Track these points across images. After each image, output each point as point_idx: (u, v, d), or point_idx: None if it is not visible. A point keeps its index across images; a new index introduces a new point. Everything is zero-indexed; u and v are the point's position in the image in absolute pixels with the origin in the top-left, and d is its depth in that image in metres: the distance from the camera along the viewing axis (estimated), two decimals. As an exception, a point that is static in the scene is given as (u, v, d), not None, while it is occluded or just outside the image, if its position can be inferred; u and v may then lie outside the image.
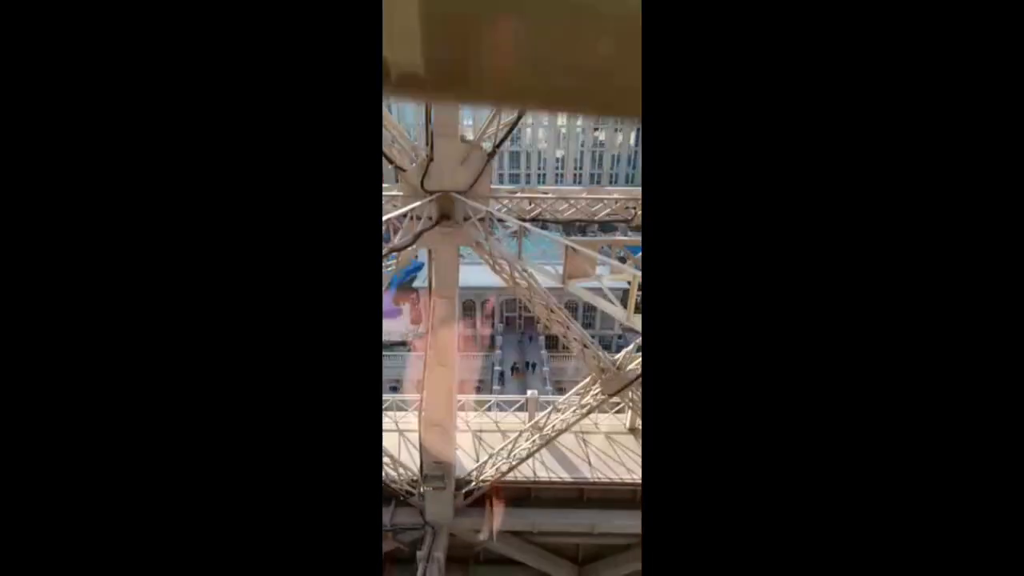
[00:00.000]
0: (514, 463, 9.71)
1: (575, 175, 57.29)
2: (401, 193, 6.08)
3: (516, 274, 7.31)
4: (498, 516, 10.54)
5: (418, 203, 5.88)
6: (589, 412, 8.91)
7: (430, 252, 7.04)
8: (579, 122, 57.07)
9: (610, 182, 57.25)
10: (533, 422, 9.43)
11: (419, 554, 9.69)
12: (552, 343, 40.58)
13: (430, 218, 6.21)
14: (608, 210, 7.38)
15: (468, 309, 39.08)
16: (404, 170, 6.05)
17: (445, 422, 8.64)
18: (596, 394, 8.50)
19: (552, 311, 7.64)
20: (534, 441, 9.32)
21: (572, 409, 8.90)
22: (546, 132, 57.80)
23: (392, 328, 38.78)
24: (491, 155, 6.03)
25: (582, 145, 58.01)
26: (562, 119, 56.80)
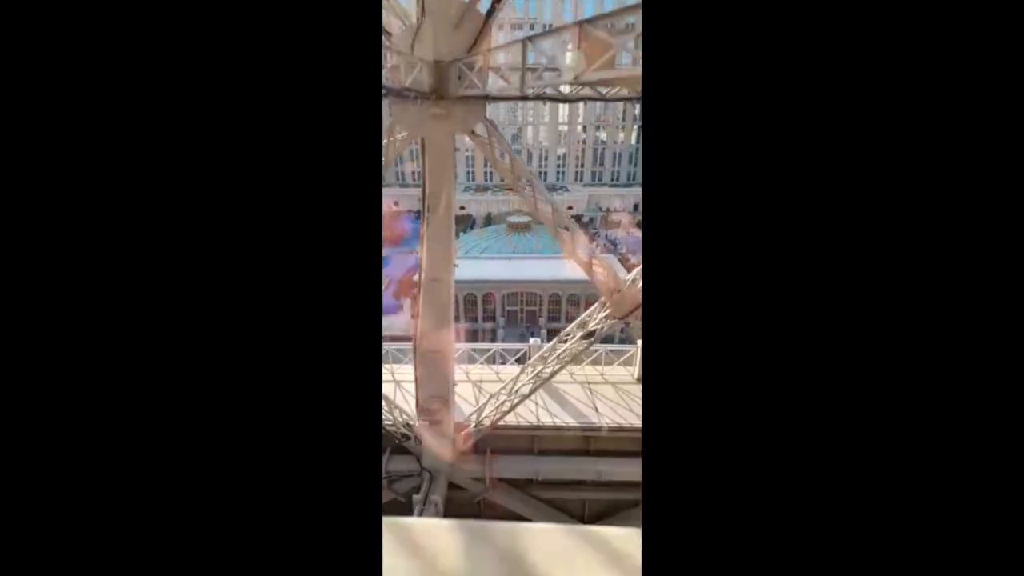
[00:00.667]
0: (516, 401, 9.15)
1: (576, 173, 57.04)
2: (391, 63, 5.63)
3: (521, 176, 6.83)
4: (499, 462, 9.97)
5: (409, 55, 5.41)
6: (597, 339, 8.37)
7: (423, 145, 6.57)
8: (580, 119, 56.99)
9: (611, 180, 57.01)
10: (538, 355, 8.89)
11: (416, 497, 9.12)
12: (554, 338, 39.94)
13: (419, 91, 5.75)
14: (618, 89, 6.90)
15: (469, 303, 38.62)
16: (390, 33, 5.61)
17: (443, 348, 8.10)
18: (605, 317, 7.97)
19: (555, 211, 7.15)
20: (538, 375, 8.77)
21: (578, 337, 8.36)
22: (547, 130, 57.64)
23: (393, 323, 38.42)
24: (488, 16, 5.59)
25: (583, 143, 57.82)
26: (563, 116, 56.70)
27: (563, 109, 56.44)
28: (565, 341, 8.63)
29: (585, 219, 51.80)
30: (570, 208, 54.96)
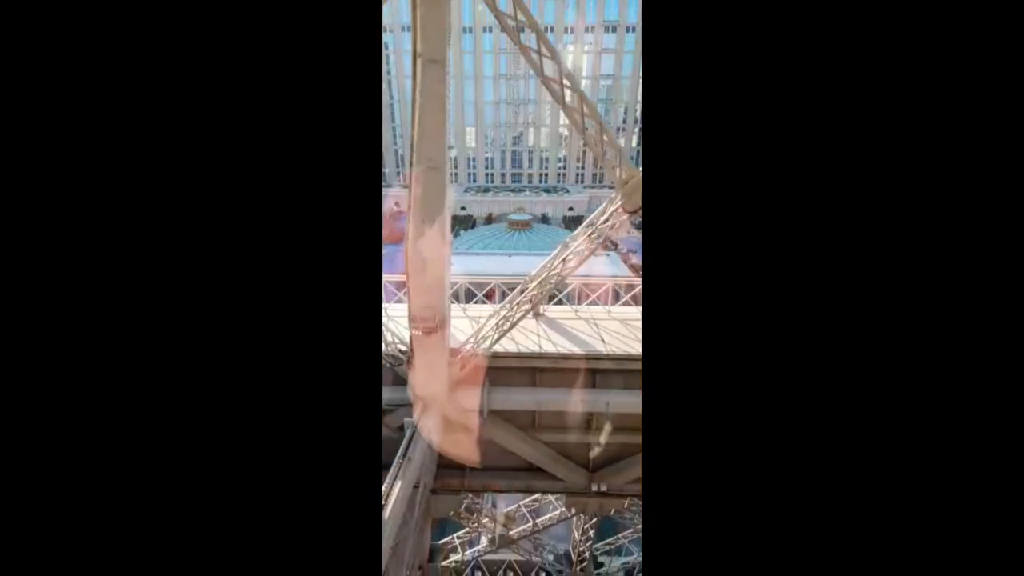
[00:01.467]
0: (517, 318, 8.49)
1: (577, 175, 56.85)
2: None
3: (524, 28, 6.27)
4: (498, 393, 9.25)
5: None
6: (607, 240, 7.74)
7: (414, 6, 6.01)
8: (581, 122, 56.95)
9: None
10: (544, 263, 8.26)
11: (407, 420, 8.39)
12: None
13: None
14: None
15: (469, 297, 38.01)
16: None
17: (435, 250, 7.46)
18: (616, 211, 7.35)
19: (558, 64, 6.57)
20: (543, 282, 8.14)
21: (588, 235, 7.74)
22: (548, 133, 57.56)
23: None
24: None
25: (584, 146, 57.78)
26: (564, 119, 56.71)
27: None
28: (568, 247, 8.00)
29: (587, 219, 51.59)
30: (571, 209, 54.74)
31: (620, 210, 7.36)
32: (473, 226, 50.26)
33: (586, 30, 53.40)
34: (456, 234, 43.53)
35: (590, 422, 10.42)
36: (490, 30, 53.13)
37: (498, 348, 9.23)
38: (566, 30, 53.97)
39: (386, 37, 49.37)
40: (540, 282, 8.19)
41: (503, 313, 8.53)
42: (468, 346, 8.94)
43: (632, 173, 7.25)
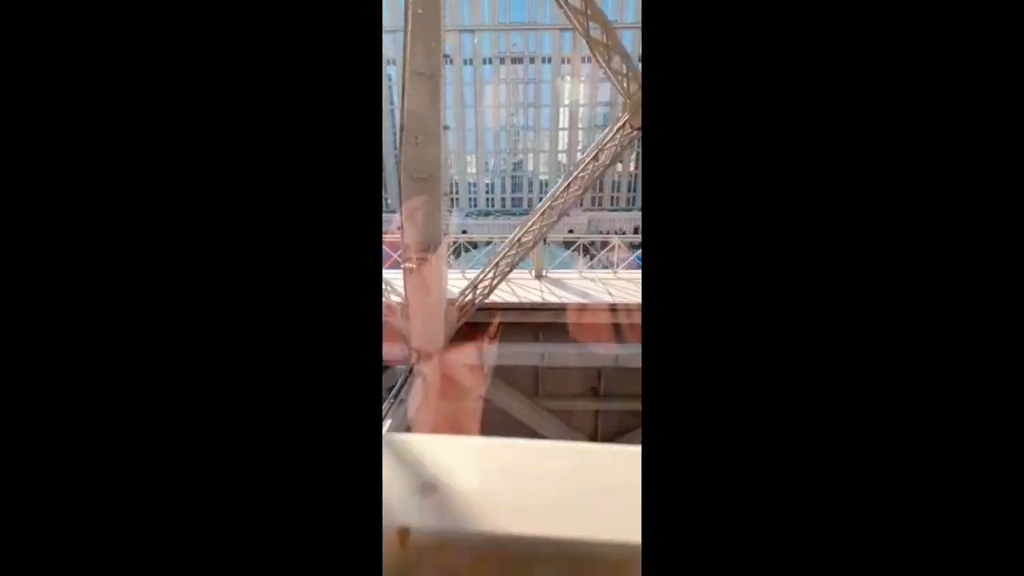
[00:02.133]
0: (517, 258, 7.97)
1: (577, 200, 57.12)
2: None
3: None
4: (500, 349, 8.62)
5: None
6: (615, 160, 7.29)
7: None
8: (579, 147, 57.52)
9: (611, 205, 56.97)
10: (550, 194, 7.80)
11: (400, 368, 7.75)
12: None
13: None
14: None
15: (469, 318, 37.52)
16: None
17: (431, 170, 7.01)
18: (622, 127, 6.93)
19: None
20: (546, 213, 7.65)
21: (593, 157, 7.29)
22: (547, 158, 58.08)
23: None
24: None
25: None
26: (561, 145, 57.33)
27: (562, 138, 57.10)
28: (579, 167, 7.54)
29: (585, 241, 51.57)
30: (571, 231, 54.81)
31: (627, 128, 6.92)
32: (475, 247, 50.19)
33: (583, 60, 54.60)
34: (456, 255, 43.35)
35: (596, 389, 9.75)
36: (489, 62, 54.36)
37: (498, 299, 8.68)
38: (563, 60, 55.21)
39: (388, 69, 50.46)
40: (543, 213, 7.70)
41: (504, 253, 8.00)
42: (466, 295, 8.38)
43: (637, 85, 6.85)
